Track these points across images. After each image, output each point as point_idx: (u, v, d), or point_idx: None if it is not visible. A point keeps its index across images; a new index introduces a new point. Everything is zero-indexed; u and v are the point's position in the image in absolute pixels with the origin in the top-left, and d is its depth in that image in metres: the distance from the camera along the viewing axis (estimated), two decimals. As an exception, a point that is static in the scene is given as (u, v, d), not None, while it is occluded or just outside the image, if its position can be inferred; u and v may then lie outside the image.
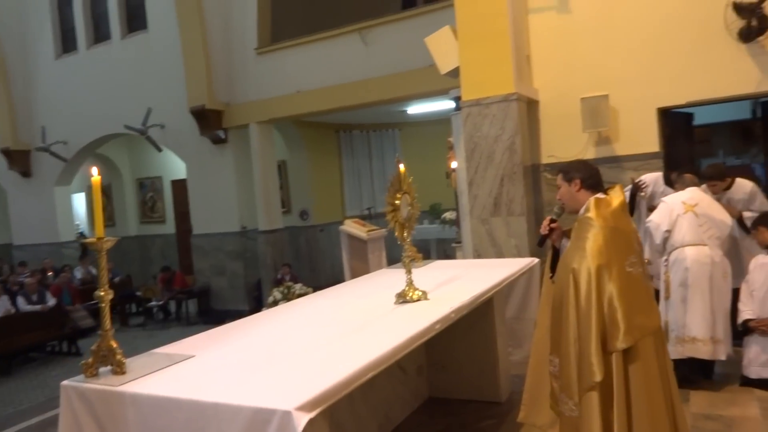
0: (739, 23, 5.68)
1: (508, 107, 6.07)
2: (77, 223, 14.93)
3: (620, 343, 2.65)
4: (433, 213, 13.09)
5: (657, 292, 4.56)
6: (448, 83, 8.44)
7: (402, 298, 3.32)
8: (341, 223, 12.97)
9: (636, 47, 6.27)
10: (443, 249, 11.55)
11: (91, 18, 12.86)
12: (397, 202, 3.30)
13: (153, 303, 11.46)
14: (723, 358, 4.34)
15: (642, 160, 6.33)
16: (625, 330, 2.65)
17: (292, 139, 12.18)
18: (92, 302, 9.79)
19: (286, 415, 1.89)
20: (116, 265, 12.28)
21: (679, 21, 6.05)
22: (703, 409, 3.91)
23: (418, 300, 3.31)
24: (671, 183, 5.27)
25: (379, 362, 2.34)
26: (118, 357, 2.46)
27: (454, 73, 6.68)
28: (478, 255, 6.31)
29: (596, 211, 2.84)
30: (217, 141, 10.84)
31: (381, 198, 13.37)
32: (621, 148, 6.44)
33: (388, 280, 4.25)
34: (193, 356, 2.62)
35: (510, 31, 6.08)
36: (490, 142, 6.18)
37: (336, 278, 11.99)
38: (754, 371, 4.25)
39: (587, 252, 2.73)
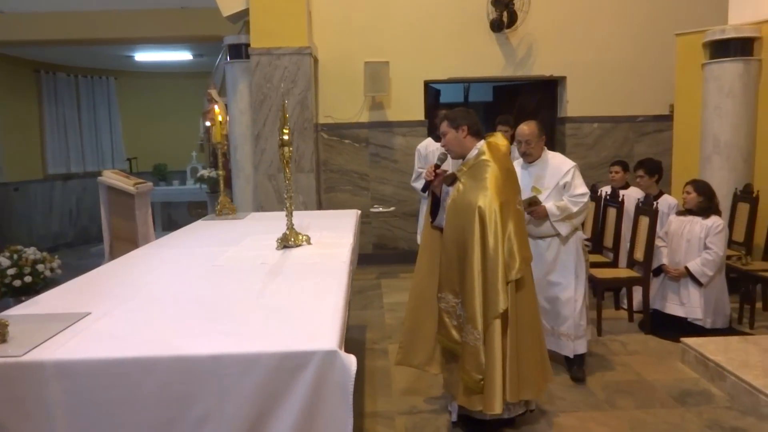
0: (494, 14, 6.63)
1: (301, 61, 5.94)
2: None
3: (516, 273, 2.92)
4: (157, 174, 11.96)
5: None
6: (187, 30, 7.80)
7: (285, 243, 3.05)
8: (41, 181, 11.00)
9: (411, 22, 6.78)
10: (178, 212, 10.73)
11: None
12: (285, 137, 2.99)
13: None
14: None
15: (410, 127, 6.92)
16: (520, 261, 2.94)
17: (-25, 74, 9.65)
18: None
19: (330, 356, 1.61)
20: None
21: (449, 4, 6.75)
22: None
23: (302, 244, 3.08)
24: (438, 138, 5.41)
25: (345, 302, 2.14)
26: (-4, 319, 1.72)
27: (237, 17, 6.24)
28: (262, 211, 6.06)
29: (491, 154, 3.05)
30: None
31: (91, 157, 11.62)
32: (392, 115, 6.92)
33: (225, 230, 3.80)
34: (90, 313, 1.97)
35: (304, -17, 5.94)
36: (281, 95, 5.96)
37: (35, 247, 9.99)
38: None
39: (490, 191, 2.92)
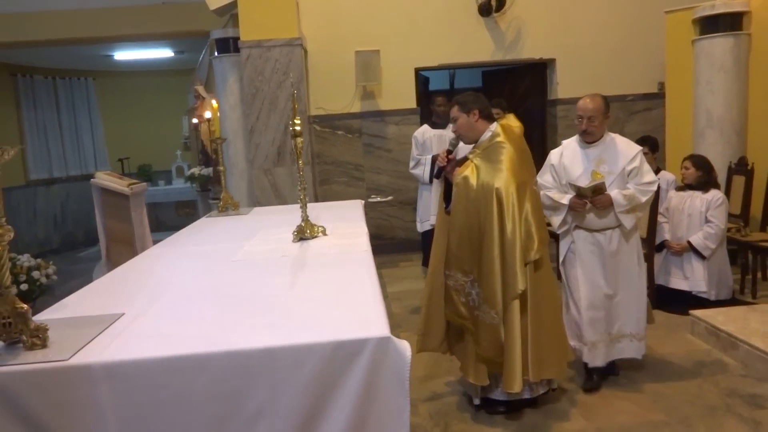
0: (482, -1, 6.61)
1: (292, 52, 5.87)
2: None
3: (535, 254, 2.93)
4: (143, 175, 11.77)
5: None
6: (168, 26, 7.65)
7: (301, 235, 3.02)
8: (23, 187, 10.77)
9: (400, 9, 6.73)
10: (165, 213, 10.59)
11: None
12: (297, 128, 2.95)
13: None
14: None
15: (402, 115, 6.89)
16: (538, 242, 2.95)
17: (-52, 80, 9.39)
18: None
19: (384, 342, 1.59)
20: None
21: (437, -11, 6.72)
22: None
23: (318, 236, 3.05)
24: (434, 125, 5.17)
25: (380, 290, 2.11)
26: (34, 324, 1.66)
27: (224, 10, 6.14)
28: (259, 206, 6.01)
29: (506, 136, 3.04)
30: None
31: (73, 160, 11.41)
32: (384, 104, 6.88)
33: (233, 226, 3.76)
34: (123, 314, 1.93)
35: (291, -27, 5.86)
36: (273, 88, 5.89)
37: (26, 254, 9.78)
38: None
39: (507, 172, 2.92)
